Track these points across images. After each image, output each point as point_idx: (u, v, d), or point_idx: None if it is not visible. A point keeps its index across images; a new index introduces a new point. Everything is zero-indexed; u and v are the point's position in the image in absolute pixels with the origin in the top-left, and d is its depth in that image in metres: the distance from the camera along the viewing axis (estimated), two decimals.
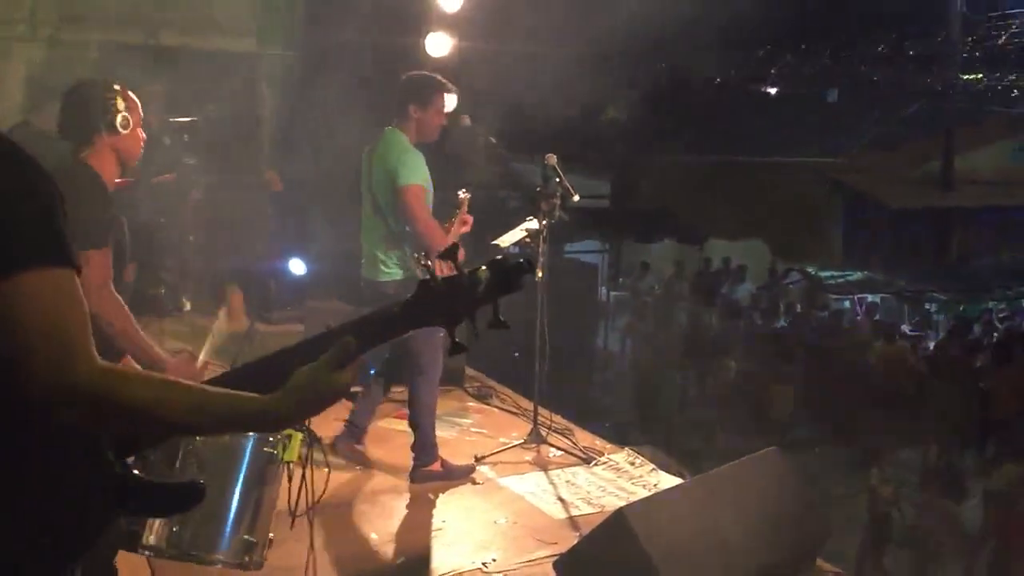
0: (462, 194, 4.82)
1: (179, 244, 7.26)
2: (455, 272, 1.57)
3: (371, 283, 4.56)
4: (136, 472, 1.57)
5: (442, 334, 4.37)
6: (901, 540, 7.49)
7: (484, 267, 1.57)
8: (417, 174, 4.38)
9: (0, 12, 7.95)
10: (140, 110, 3.22)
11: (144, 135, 3.27)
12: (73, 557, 1.51)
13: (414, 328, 1.61)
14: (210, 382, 1.61)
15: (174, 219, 7.02)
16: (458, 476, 4.71)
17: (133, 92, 3.25)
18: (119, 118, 3.09)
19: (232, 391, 1.50)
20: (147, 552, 2.67)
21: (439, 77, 4.57)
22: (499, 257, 1.58)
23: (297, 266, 8.23)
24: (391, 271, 4.49)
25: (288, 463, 2.86)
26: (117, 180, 3.22)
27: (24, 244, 1.34)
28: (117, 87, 3.16)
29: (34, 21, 8.07)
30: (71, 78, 3.39)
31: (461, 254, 1.68)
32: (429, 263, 1.62)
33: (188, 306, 7.23)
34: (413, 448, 4.63)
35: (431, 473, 4.62)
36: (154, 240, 6.46)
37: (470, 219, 4.74)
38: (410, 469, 4.64)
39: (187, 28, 8.40)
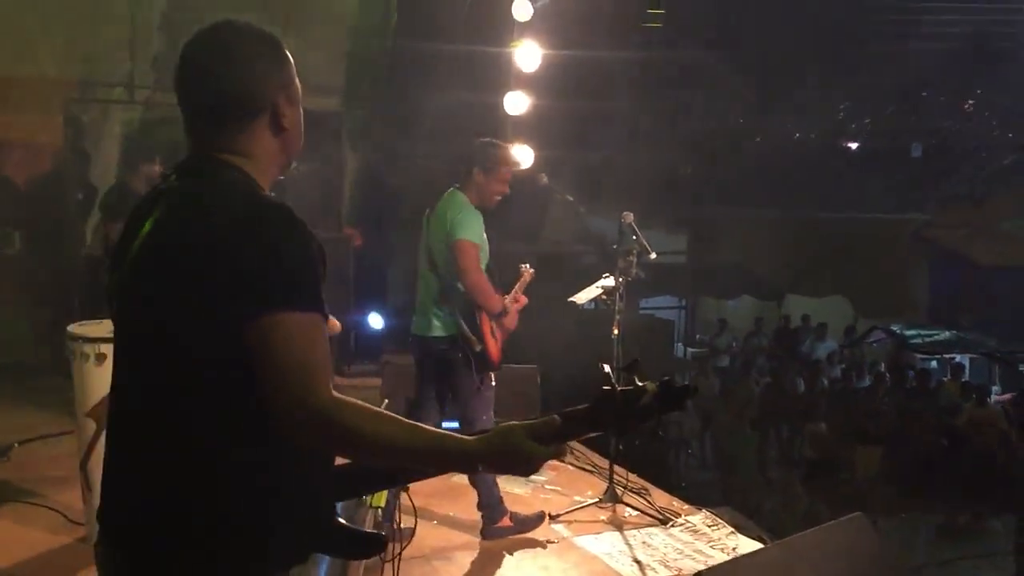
0: (524, 268, 4.84)
1: None
2: (630, 385, 1.61)
3: (420, 339, 4.58)
4: (339, 516, 1.69)
5: (490, 392, 4.44)
6: None
7: (655, 385, 1.61)
8: (472, 231, 4.38)
9: (101, 76, 8.38)
10: None
11: None
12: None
13: (591, 432, 1.64)
14: None
15: None
16: (530, 527, 4.69)
17: None
18: None
19: (438, 430, 1.63)
20: None
21: (510, 149, 4.59)
22: (667, 378, 1.62)
23: (375, 320, 8.38)
24: (440, 328, 4.50)
25: (376, 508, 2.87)
26: None
27: (284, 289, 1.54)
28: None
29: (132, 85, 8.48)
30: (164, 139, 3.53)
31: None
32: (611, 373, 1.66)
33: None
34: (479, 507, 4.62)
35: (502, 529, 4.61)
36: None
37: (524, 299, 4.75)
38: (481, 527, 4.64)
39: None
